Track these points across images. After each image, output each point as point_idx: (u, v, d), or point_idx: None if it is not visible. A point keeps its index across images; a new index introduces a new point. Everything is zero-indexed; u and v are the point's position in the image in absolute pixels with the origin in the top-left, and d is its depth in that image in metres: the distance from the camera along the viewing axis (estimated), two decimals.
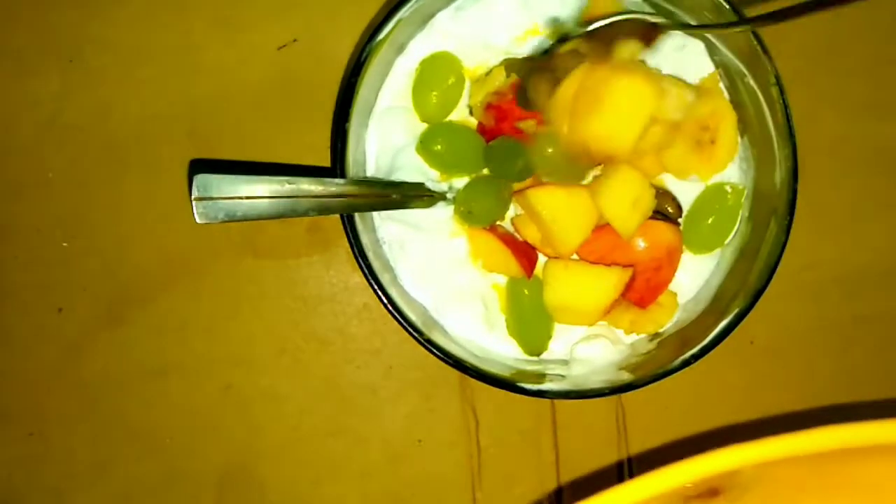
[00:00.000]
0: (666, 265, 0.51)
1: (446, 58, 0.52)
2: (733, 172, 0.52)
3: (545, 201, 0.48)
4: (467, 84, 0.52)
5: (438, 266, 0.51)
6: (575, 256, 0.50)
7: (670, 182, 0.52)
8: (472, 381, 0.49)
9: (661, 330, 0.52)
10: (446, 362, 0.48)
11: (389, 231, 0.52)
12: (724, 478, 0.41)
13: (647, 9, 0.51)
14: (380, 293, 0.48)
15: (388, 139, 0.52)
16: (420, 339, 0.48)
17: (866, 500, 0.45)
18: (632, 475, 0.57)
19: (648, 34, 0.46)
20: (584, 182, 0.50)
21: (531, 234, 0.50)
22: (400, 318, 0.48)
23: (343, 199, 0.48)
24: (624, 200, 0.48)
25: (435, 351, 0.48)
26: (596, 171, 0.50)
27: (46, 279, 0.56)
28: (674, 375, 0.48)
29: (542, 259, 0.51)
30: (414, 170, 0.51)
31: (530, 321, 0.51)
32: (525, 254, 0.50)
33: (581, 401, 0.50)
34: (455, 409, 0.57)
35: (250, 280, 0.56)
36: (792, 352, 0.57)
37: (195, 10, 0.57)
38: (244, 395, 0.56)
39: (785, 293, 0.55)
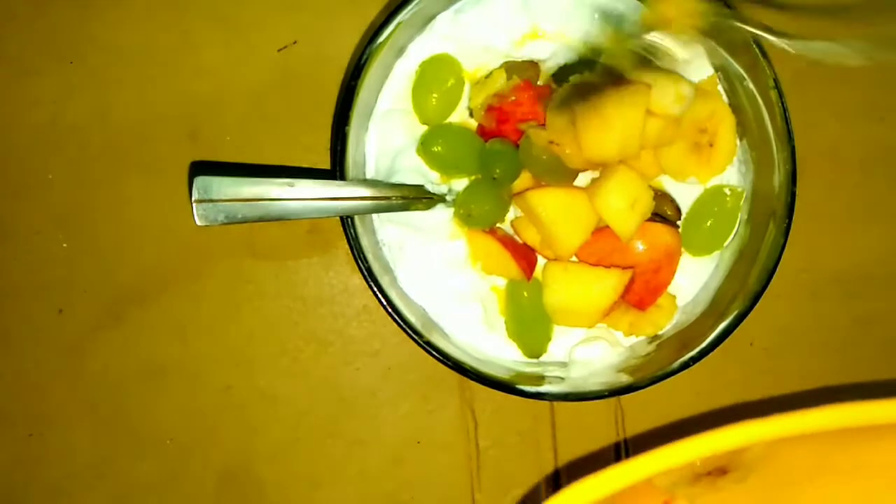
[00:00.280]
0: (665, 267, 0.51)
1: (446, 60, 0.52)
2: (732, 175, 0.52)
3: (545, 203, 0.48)
4: (467, 86, 0.52)
5: (438, 268, 0.51)
6: (574, 259, 0.50)
7: (669, 184, 0.52)
8: (471, 382, 0.49)
9: (660, 332, 0.52)
10: (445, 364, 0.48)
11: (389, 233, 0.52)
12: (733, 456, 0.41)
13: None
14: (379, 295, 0.48)
15: (387, 141, 0.52)
16: (419, 341, 0.48)
17: (874, 482, 0.44)
18: None
19: None
20: (583, 185, 0.50)
21: (531, 237, 0.50)
22: (399, 320, 0.48)
23: (343, 202, 0.48)
24: (622, 202, 0.48)
25: (434, 353, 0.48)
26: (594, 174, 0.50)
27: (46, 280, 0.56)
28: (673, 377, 0.48)
29: (541, 261, 0.51)
30: (413, 172, 0.51)
31: (529, 323, 0.51)
32: (524, 256, 0.50)
33: (580, 403, 0.50)
34: (454, 410, 0.57)
35: (250, 281, 0.56)
36: (791, 353, 0.58)
37: (195, 12, 0.57)
38: (243, 396, 0.56)
39: (784, 295, 0.55)
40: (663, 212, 0.51)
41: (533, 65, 0.51)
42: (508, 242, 0.50)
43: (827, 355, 0.58)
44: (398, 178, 0.51)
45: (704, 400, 0.57)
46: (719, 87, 0.52)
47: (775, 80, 0.48)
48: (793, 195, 0.48)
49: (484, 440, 0.57)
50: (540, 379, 0.50)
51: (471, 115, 0.52)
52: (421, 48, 0.52)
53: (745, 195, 0.52)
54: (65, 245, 0.56)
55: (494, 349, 0.52)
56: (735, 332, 0.48)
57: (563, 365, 0.52)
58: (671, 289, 0.52)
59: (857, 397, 0.54)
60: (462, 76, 0.52)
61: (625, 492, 0.38)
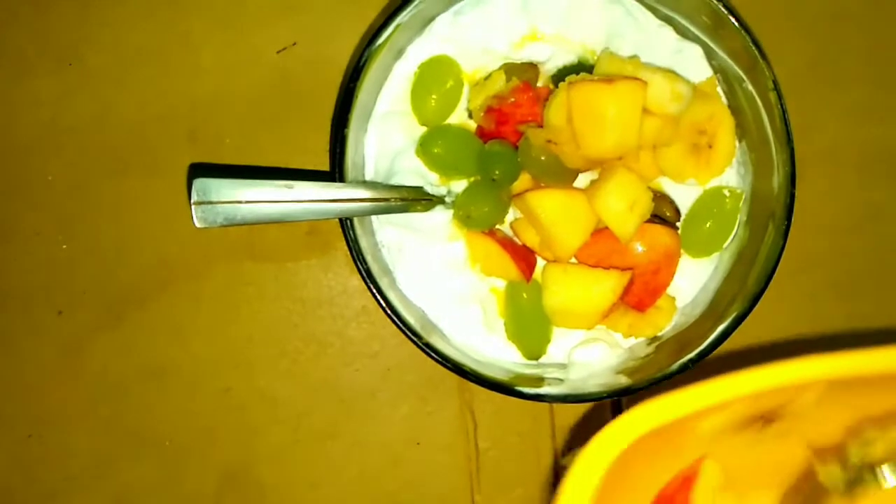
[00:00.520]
0: (664, 268, 0.51)
1: (445, 61, 0.52)
2: (731, 177, 0.52)
3: (544, 205, 0.48)
4: (466, 88, 0.52)
5: (437, 270, 0.51)
6: (573, 260, 0.50)
7: (668, 186, 0.52)
8: (471, 384, 0.49)
9: (659, 334, 0.52)
10: (445, 366, 0.48)
11: (388, 234, 0.52)
12: (782, 402, 0.39)
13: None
14: (378, 296, 0.48)
15: (386, 143, 0.52)
16: (418, 342, 0.48)
17: None
18: None
19: None
20: (582, 186, 0.50)
21: (530, 238, 0.50)
22: (398, 322, 0.48)
23: (342, 203, 0.48)
24: (621, 204, 0.48)
25: (433, 354, 0.48)
26: (593, 176, 0.50)
27: (46, 281, 0.56)
28: (672, 379, 0.48)
29: (540, 263, 0.51)
30: (413, 173, 0.51)
31: (529, 325, 0.51)
32: (524, 257, 0.50)
33: (579, 404, 0.50)
34: (453, 411, 0.57)
35: (249, 283, 0.56)
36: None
37: (195, 13, 0.57)
38: (243, 398, 0.56)
39: (783, 297, 0.55)
40: (662, 213, 0.51)
41: (532, 67, 0.51)
42: (508, 244, 0.50)
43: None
44: (397, 180, 0.51)
45: None
46: (718, 89, 0.52)
47: (774, 82, 0.48)
48: (792, 197, 0.48)
49: (483, 441, 0.57)
50: (539, 380, 0.50)
51: (470, 116, 0.52)
52: (420, 50, 0.52)
53: (744, 197, 0.52)
54: (64, 246, 0.56)
55: (494, 351, 0.52)
56: (734, 333, 0.48)
57: (563, 366, 0.52)
58: (670, 290, 0.52)
59: None
60: (461, 78, 0.52)
61: (669, 436, 0.37)
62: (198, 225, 0.46)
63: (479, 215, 0.50)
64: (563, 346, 0.52)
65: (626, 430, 0.36)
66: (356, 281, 0.56)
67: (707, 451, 0.43)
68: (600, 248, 0.50)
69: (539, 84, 0.51)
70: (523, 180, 0.50)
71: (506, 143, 0.50)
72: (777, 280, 0.48)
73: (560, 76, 0.50)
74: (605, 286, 0.49)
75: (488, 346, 0.52)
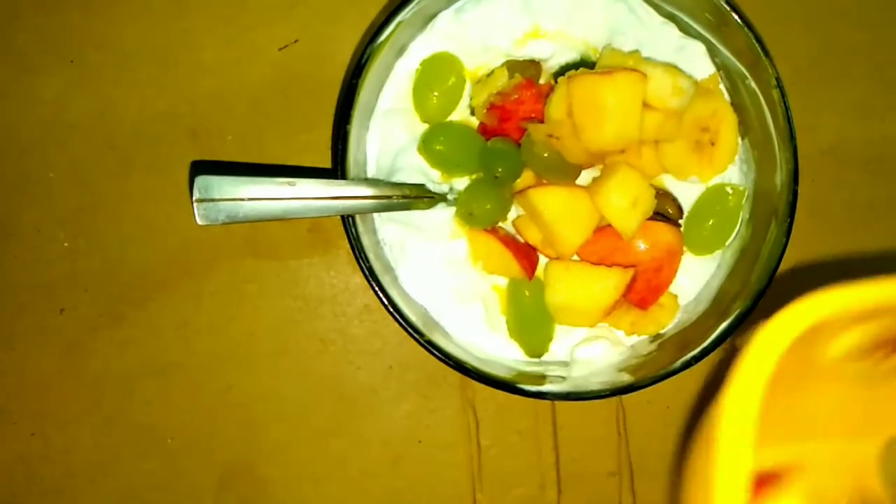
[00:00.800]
0: (667, 266, 0.51)
1: (447, 58, 0.52)
2: (734, 174, 0.52)
3: (547, 202, 0.48)
4: (468, 85, 0.52)
5: (439, 267, 0.51)
6: (576, 258, 0.50)
7: (671, 183, 0.52)
8: (473, 381, 0.49)
9: (661, 331, 0.52)
10: (447, 363, 0.48)
11: (390, 232, 0.52)
12: None
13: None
14: (380, 294, 0.48)
15: (388, 140, 0.52)
16: (420, 340, 0.48)
17: None
18: (632, 477, 0.57)
19: None
20: (584, 183, 0.50)
21: (532, 236, 0.50)
22: (400, 320, 0.48)
23: (344, 201, 0.48)
24: (624, 201, 0.48)
25: (435, 352, 0.48)
26: (595, 173, 0.50)
27: (48, 279, 0.56)
28: (675, 377, 0.48)
29: (542, 260, 0.51)
30: (415, 171, 0.51)
31: (531, 323, 0.51)
32: (526, 255, 0.50)
33: (581, 402, 0.50)
34: (455, 409, 0.57)
35: (251, 280, 0.56)
36: None
37: (196, 10, 0.57)
38: (245, 395, 0.56)
39: (785, 295, 0.55)
40: (665, 211, 0.51)
41: (535, 64, 0.51)
42: (510, 242, 0.50)
43: None
44: (399, 177, 0.51)
45: (707, 399, 0.57)
46: (721, 86, 0.52)
47: (777, 79, 0.47)
48: (795, 194, 0.48)
49: (485, 439, 0.57)
50: (541, 378, 0.50)
51: (472, 113, 0.52)
52: (422, 47, 0.52)
53: (746, 194, 0.52)
54: (66, 244, 0.56)
55: (496, 348, 0.52)
56: (736, 331, 0.48)
57: (565, 364, 0.52)
58: (673, 288, 0.52)
59: None
60: (463, 75, 0.52)
61: (796, 359, 0.36)
62: (199, 222, 0.46)
63: (481, 213, 0.49)
64: (566, 343, 0.52)
65: (807, 313, 0.34)
66: (358, 279, 0.56)
67: (825, 381, 0.42)
68: (603, 245, 0.50)
69: (541, 81, 0.51)
70: (526, 178, 0.50)
71: (508, 140, 0.50)
72: (780, 278, 0.48)
73: (562, 73, 0.50)
74: (608, 284, 0.49)
75: (490, 343, 0.52)
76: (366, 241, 0.49)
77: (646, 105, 0.47)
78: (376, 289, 0.48)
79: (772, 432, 0.38)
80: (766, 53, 0.48)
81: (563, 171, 0.49)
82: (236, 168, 0.56)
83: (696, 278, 0.53)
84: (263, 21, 0.57)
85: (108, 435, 0.56)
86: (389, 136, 0.52)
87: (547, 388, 0.49)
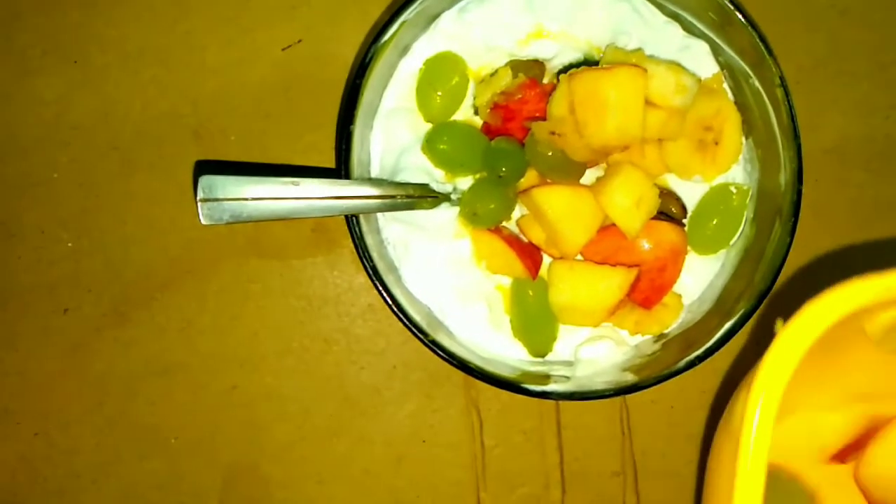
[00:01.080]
0: (670, 266, 0.51)
1: (450, 58, 0.52)
2: (738, 173, 0.52)
3: (551, 201, 0.48)
4: (471, 84, 0.52)
5: (443, 267, 0.51)
6: (579, 257, 0.50)
7: (675, 183, 0.52)
8: (477, 381, 0.49)
9: (665, 331, 0.52)
10: (451, 363, 0.48)
11: (394, 232, 0.52)
12: None
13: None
14: (384, 294, 0.48)
15: (392, 140, 0.52)
16: (424, 339, 0.48)
17: None
18: (636, 477, 0.57)
19: None
20: (588, 183, 0.50)
21: (536, 235, 0.50)
22: (404, 319, 0.48)
23: (347, 201, 0.48)
24: (628, 200, 0.48)
25: (439, 352, 0.48)
26: (599, 173, 0.50)
27: (51, 280, 0.56)
28: (679, 376, 0.48)
29: (546, 260, 0.51)
30: (418, 170, 0.51)
31: (535, 322, 0.51)
32: (530, 255, 0.50)
33: (585, 402, 0.50)
34: (459, 409, 0.57)
35: (255, 280, 0.56)
36: None
37: (199, 11, 0.57)
38: (249, 395, 0.56)
39: (790, 294, 0.55)
40: (669, 210, 0.51)
41: (538, 64, 0.51)
42: (514, 241, 0.50)
43: None
44: (403, 177, 0.51)
45: (710, 399, 0.56)
46: (725, 85, 0.52)
47: (781, 78, 0.47)
48: (799, 193, 0.48)
49: (489, 439, 0.57)
50: (545, 378, 0.50)
51: (476, 113, 0.52)
52: (425, 47, 0.52)
53: (750, 194, 0.52)
54: (69, 244, 0.57)
55: (500, 348, 0.52)
56: (741, 331, 0.48)
57: (569, 364, 0.52)
58: (677, 288, 0.52)
59: None
60: (466, 74, 0.52)
61: (839, 334, 0.36)
62: (204, 222, 0.46)
63: (485, 212, 0.49)
64: (570, 343, 0.52)
65: (838, 304, 0.34)
66: (362, 278, 0.56)
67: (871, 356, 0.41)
68: (606, 245, 0.50)
69: (545, 81, 0.51)
70: (530, 177, 0.50)
71: (512, 139, 0.50)
72: (784, 277, 0.48)
73: (565, 73, 0.50)
74: (612, 283, 0.49)
75: (494, 343, 0.52)
76: (369, 240, 0.49)
77: (649, 103, 0.47)
78: (380, 288, 0.48)
79: (837, 396, 0.37)
80: (770, 52, 0.47)
81: (566, 170, 0.49)
82: (240, 168, 0.56)
83: (699, 278, 0.53)
84: (266, 21, 0.57)
85: (112, 435, 0.56)
86: (393, 135, 0.52)
87: (551, 387, 0.49)
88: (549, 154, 0.48)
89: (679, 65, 0.50)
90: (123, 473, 0.56)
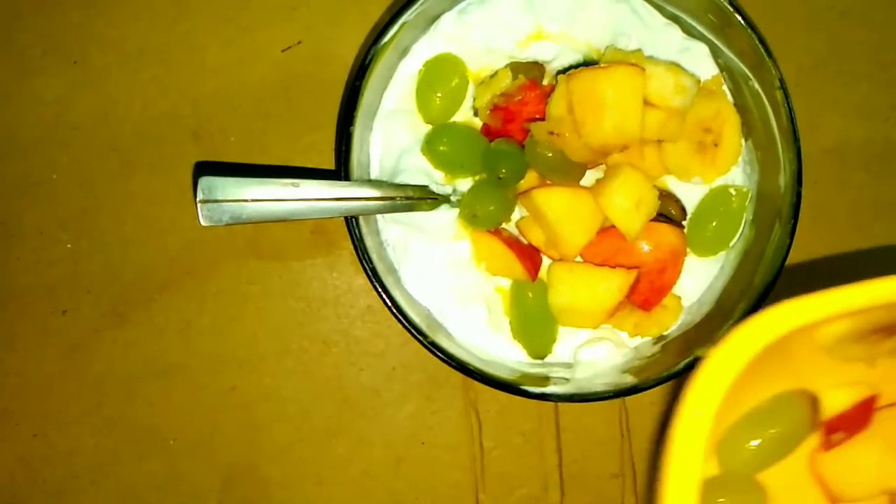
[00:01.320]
0: (670, 267, 0.51)
1: (450, 59, 0.52)
2: (737, 175, 0.52)
3: (550, 202, 0.48)
4: (471, 86, 0.52)
5: (442, 269, 0.51)
6: (579, 259, 0.50)
7: (674, 185, 0.52)
8: (476, 383, 0.49)
9: (665, 333, 0.52)
10: (450, 365, 0.48)
11: (393, 233, 0.52)
12: None
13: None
14: (383, 295, 0.48)
15: (392, 141, 0.52)
16: (424, 341, 0.48)
17: None
18: (635, 479, 0.57)
19: None
20: (587, 184, 0.50)
21: (535, 237, 0.50)
22: (403, 321, 0.48)
23: (347, 202, 0.48)
24: (627, 201, 0.48)
25: (438, 353, 0.48)
26: (598, 174, 0.50)
27: (50, 280, 0.56)
28: (678, 379, 0.48)
29: (546, 262, 0.51)
30: (418, 172, 0.51)
31: (534, 324, 0.51)
32: (529, 257, 0.50)
33: (584, 403, 0.50)
34: (458, 411, 0.57)
35: (254, 281, 0.56)
36: None
37: (199, 11, 0.57)
38: (248, 396, 0.56)
39: (789, 296, 0.55)
40: (668, 212, 0.51)
41: (538, 65, 0.51)
42: (513, 243, 0.50)
43: None
44: (402, 179, 0.51)
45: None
46: (724, 87, 0.52)
47: (781, 80, 0.47)
48: (798, 195, 0.48)
49: (488, 441, 0.57)
50: (545, 380, 0.50)
51: (475, 114, 0.52)
52: (425, 48, 0.52)
53: (750, 195, 0.52)
54: (69, 245, 0.56)
55: (499, 350, 0.52)
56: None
57: (568, 366, 0.52)
58: (676, 289, 0.52)
59: None
60: (466, 76, 0.52)
61: (786, 346, 0.36)
62: (203, 223, 0.46)
63: (484, 214, 0.49)
64: (569, 345, 0.52)
65: (765, 329, 0.35)
66: (361, 280, 0.56)
67: (823, 360, 0.42)
68: (606, 246, 0.50)
69: (544, 83, 0.51)
70: (529, 178, 0.50)
71: (512, 141, 0.50)
72: (783, 279, 0.48)
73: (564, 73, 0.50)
74: (611, 285, 0.49)
75: (493, 345, 0.52)
76: (369, 242, 0.49)
77: (648, 103, 0.47)
78: (379, 290, 0.48)
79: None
80: (770, 54, 0.47)
81: (566, 171, 0.49)
82: (239, 169, 0.56)
83: (699, 280, 0.53)
84: (266, 22, 0.57)
85: (110, 436, 0.56)
86: (393, 137, 0.52)
87: (550, 389, 0.49)
88: (549, 155, 0.48)
89: (678, 65, 0.50)
90: (122, 474, 0.56)
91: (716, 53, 0.52)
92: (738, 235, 0.52)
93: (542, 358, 0.52)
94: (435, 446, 0.57)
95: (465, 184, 0.51)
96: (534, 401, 0.49)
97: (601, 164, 0.50)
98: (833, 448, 0.44)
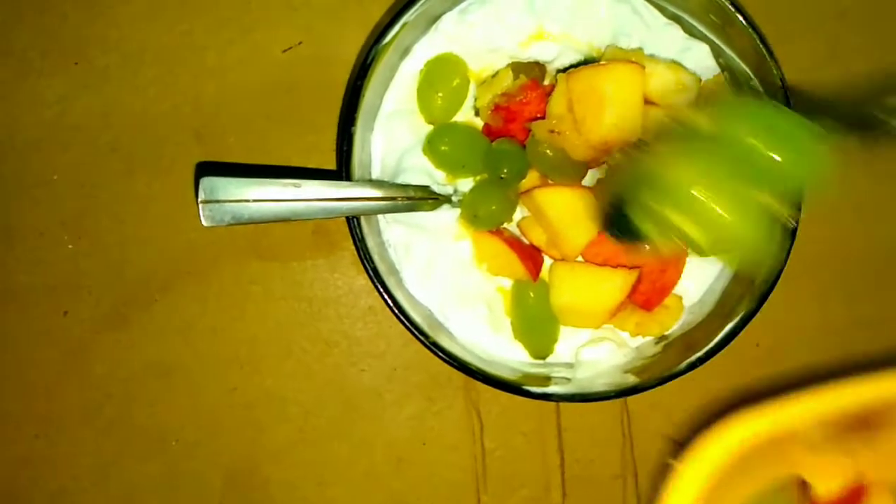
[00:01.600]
0: (671, 267, 0.51)
1: (451, 59, 0.52)
2: None
3: (552, 201, 0.48)
4: (472, 86, 0.52)
5: (443, 269, 0.51)
6: (580, 259, 0.50)
7: None
8: (477, 383, 0.49)
9: (666, 333, 0.52)
10: (451, 365, 0.48)
11: (395, 233, 0.52)
12: (880, 411, 0.40)
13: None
14: (385, 296, 0.48)
15: (393, 141, 0.52)
16: (425, 341, 0.48)
17: None
18: (637, 480, 0.57)
19: None
20: (589, 184, 0.50)
21: (537, 237, 0.50)
22: (405, 321, 0.48)
23: (348, 202, 0.48)
24: None
25: (440, 354, 0.48)
26: (599, 174, 0.50)
27: (51, 281, 0.56)
28: (679, 378, 0.48)
29: (547, 262, 0.51)
30: (419, 172, 0.51)
31: (536, 324, 0.51)
32: (531, 257, 0.50)
33: (586, 403, 0.50)
34: (460, 411, 0.57)
35: (255, 282, 0.56)
36: (797, 354, 0.57)
37: (200, 12, 0.57)
38: (249, 397, 0.56)
39: (790, 296, 0.55)
40: None
41: (539, 65, 0.51)
42: (514, 243, 0.50)
43: (832, 356, 0.57)
44: (404, 179, 0.51)
45: (710, 401, 0.56)
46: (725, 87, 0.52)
47: (782, 80, 0.47)
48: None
49: (490, 441, 0.57)
50: (546, 380, 0.50)
51: (476, 114, 0.52)
52: (426, 48, 0.52)
53: None
54: (70, 246, 0.56)
55: (500, 350, 0.52)
56: (741, 333, 0.48)
57: (570, 366, 0.52)
58: (678, 290, 0.52)
59: None
60: (467, 76, 0.52)
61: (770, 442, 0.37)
62: (205, 224, 0.46)
63: (486, 214, 0.49)
64: (571, 345, 0.52)
65: (734, 435, 0.36)
66: (362, 280, 0.56)
67: (807, 454, 0.43)
68: (607, 246, 0.50)
69: (545, 83, 0.51)
70: (531, 178, 0.50)
71: (513, 141, 0.50)
72: (784, 279, 0.48)
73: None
74: (613, 284, 0.49)
75: (495, 345, 0.52)
76: (370, 242, 0.49)
77: (649, 102, 0.47)
78: (381, 290, 0.48)
79: None
80: (771, 54, 0.48)
81: (567, 171, 0.49)
82: (241, 169, 0.56)
83: (700, 280, 0.53)
84: (267, 23, 0.57)
85: (112, 437, 0.56)
86: (394, 137, 0.52)
87: (552, 389, 0.49)
88: (550, 154, 0.48)
89: (679, 63, 0.50)
90: (124, 475, 0.56)
91: (717, 53, 0.52)
92: None
93: (544, 358, 0.52)
94: (436, 447, 0.57)
95: (466, 184, 0.51)
96: (535, 401, 0.49)
97: (603, 163, 0.50)
98: None
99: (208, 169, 0.56)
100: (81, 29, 0.57)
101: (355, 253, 0.48)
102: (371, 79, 0.48)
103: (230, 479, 0.56)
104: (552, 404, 0.56)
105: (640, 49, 0.50)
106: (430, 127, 0.52)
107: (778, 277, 0.48)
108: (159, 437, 0.56)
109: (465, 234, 0.51)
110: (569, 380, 0.51)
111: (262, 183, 0.46)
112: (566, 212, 0.48)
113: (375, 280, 0.48)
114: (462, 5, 0.51)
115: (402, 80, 0.52)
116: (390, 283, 0.49)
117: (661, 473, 0.47)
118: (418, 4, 0.48)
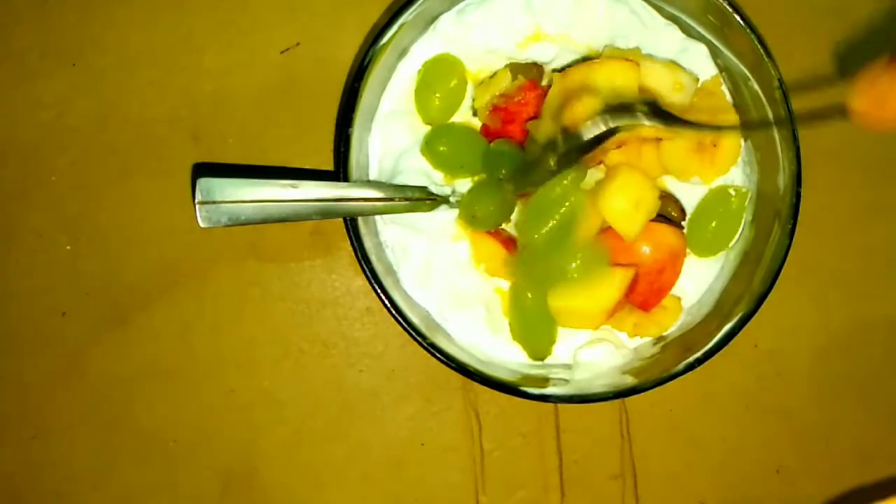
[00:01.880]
0: (669, 268, 0.51)
1: (448, 60, 0.52)
2: (737, 176, 0.52)
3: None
4: (469, 86, 0.52)
5: (441, 270, 0.51)
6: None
7: (673, 185, 0.52)
8: (476, 384, 0.49)
9: (664, 333, 0.52)
10: (449, 366, 0.48)
11: (392, 234, 0.52)
12: None
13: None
14: (382, 297, 0.48)
15: (391, 142, 0.52)
16: (423, 342, 0.48)
17: None
18: (635, 480, 0.57)
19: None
20: (587, 185, 0.50)
21: None
22: (402, 322, 0.48)
23: (346, 203, 0.48)
24: (626, 203, 0.48)
25: (438, 355, 0.48)
26: (599, 175, 0.50)
27: (49, 283, 0.56)
28: (678, 379, 0.48)
29: None
30: (417, 173, 0.51)
31: (533, 325, 0.51)
32: None
33: (584, 405, 0.50)
34: (458, 412, 0.57)
35: (253, 283, 0.56)
36: (795, 355, 0.57)
37: (198, 14, 0.57)
38: (247, 399, 0.56)
39: (788, 297, 0.55)
40: (668, 213, 0.51)
41: (537, 66, 0.51)
42: (512, 244, 0.50)
43: (831, 356, 0.57)
44: (401, 180, 0.51)
45: (709, 401, 0.56)
46: (723, 88, 0.52)
47: (780, 81, 0.47)
48: (798, 196, 0.48)
49: (488, 442, 0.57)
50: (544, 381, 0.50)
51: (474, 115, 0.52)
52: (424, 49, 0.52)
53: (749, 196, 0.52)
54: (68, 247, 0.56)
55: (498, 351, 0.52)
56: (739, 333, 0.48)
57: (568, 367, 0.52)
58: (676, 290, 0.52)
59: (861, 400, 0.53)
60: (465, 77, 0.52)
61: None
62: (202, 225, 0.46)
63: (484, 215, 0.49)
64: (569, 346, 0.52)
65: None
66: (360, 281, 0.56)
67: None
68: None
69: (543, 83, 0.51)
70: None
71: (511, 142, 0.50)
72: (782, 279, 0.48)
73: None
74: (610, 283, 0.49)
75: (493, 346, 0.52)
76: (368, 243, 0.49)
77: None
78: (378, 291, 0.48)
79: None
80: (769, 55, 0.48)
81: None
82: (238, 171, 0.56)
83: (698, 280, 0.53)
84: (264, 24, 0.57)
85: (110, 439, 0.56)
86: (392, 138, 0.52)
87: (550, 390, 0.49)
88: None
89: (677, 63, 0.50)
90: (121, 477, 0.56)
91: (715, 54, 0.52)
92: (737, 236, 0.52)
93: (542, 359, 0.52)
94: (435, 448, 0.57)
95: (464, 184, 0.51)
96: (533, 402, 0.49)
97: (601, 163, 0.50)
98: None
99: (206, 170, 0.56)
100: (79, 31, 0.57)
101: (353, 254, 0.48)
102: (369, 79, 0.48)
103: (228, 480, 0.56)
104: (550, 405, 0.56)
105: (638, 48, 0.50)
106: (428, 128, 0.52)
107: (776, 277, 0.48)
108: (157, 438, 0.56)
109: (463, 235, 0.51)
110: (567, 381, 0.51)
111: (260, 184, 0.46)
112: None
113: (373, 281, 0.48)
114: (460, 6, 0.51)
115: (399, 81, 0.52)
116: (388, 283, 0.48)
117: None
118: (416, 5, 0.48)
